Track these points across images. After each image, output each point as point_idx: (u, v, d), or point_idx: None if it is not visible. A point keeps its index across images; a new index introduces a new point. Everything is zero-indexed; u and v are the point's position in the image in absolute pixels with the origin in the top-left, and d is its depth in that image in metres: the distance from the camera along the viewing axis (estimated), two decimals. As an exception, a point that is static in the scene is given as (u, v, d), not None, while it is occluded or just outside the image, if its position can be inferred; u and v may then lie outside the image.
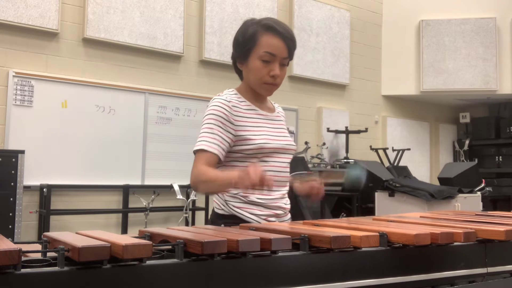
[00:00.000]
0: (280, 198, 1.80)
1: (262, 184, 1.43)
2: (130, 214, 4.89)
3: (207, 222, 5.15)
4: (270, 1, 5.97)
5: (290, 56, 1.76)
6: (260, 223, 1.68)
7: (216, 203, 1.78)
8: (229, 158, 1.73)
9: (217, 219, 1.75)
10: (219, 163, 1.70)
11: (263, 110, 1.82)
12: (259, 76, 1.73)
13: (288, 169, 1.84)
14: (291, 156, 1.85)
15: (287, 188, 1.85)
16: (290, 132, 6.18)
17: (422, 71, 6.92)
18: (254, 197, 1.72)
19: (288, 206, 1.84)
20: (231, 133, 1.70)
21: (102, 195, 4.79)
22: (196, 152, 1.68)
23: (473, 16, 6.84)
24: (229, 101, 1.73)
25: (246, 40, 1.73)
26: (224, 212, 1.73)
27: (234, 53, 1.81)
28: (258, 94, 1.81)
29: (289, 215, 1.84)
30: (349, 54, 6.72)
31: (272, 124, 1.82)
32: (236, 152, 1.72)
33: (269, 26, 1.72)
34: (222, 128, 1.69)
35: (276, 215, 1.76)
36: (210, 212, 5.57)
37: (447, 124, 7.98)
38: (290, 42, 1.73)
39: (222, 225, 1.63)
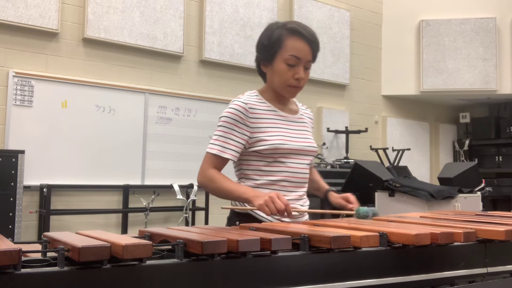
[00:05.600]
0: (296, 199, 1.82)
1: (285, 212, 1.54)
2: (130, 214, 4.89)
3: (207, 222, 5.15)
4: (270, 1, 5.97)
5: (314, 59, 1.81)
6: (272, 222, 1.72)
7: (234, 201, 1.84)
8: (246, 157, 1.79)
9: (233, 216, 1.82)
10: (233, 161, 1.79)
11: (284, 112, 1.86)
12: (284, 79, 1.77)
13: (307, 171, 1.87)
14: (310, 158, 1.88)
15: (305, 189, 1.88)
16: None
17: (422, 71, 6.92)
18: None
19: (305, 208, 1.86)
20: (246, 135, 1.75)
21: (102, 195, 4.79)
22: (208, 152, 1.76)
23: (473, 16, 6.84)
24: (246, 103, 1.77)
25: (272, 43, 1.77)
26: (240, 210, 1.79)
27: (259, 56, 1.84)
28: (280, 95, 1.85)
29: (306, 217, 1.86)
30: (349, 54, 6.72)
31: (292, 125, 1.85)
32: (253, 152, 1.77)
33: (295, 30, 1.76)
34: (236, 131, 1.74)
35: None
36: (210, 212, 5.56)
37: (447, 124, 7.98)
38: (314, 45, 1.79)
39: (237, 222, 1.69)
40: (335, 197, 1.89)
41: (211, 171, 1.74)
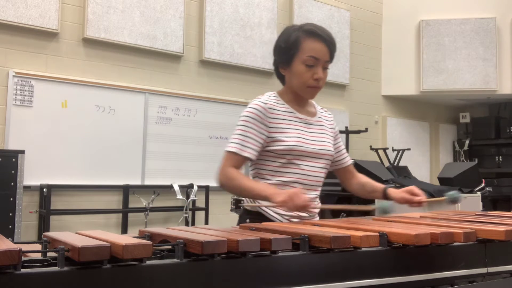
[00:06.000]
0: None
1: (305, 208, 1.57)
2: (130, 214, 4.89)
3: (207, 222, 5.15)
4: (270, 1, 5.97)
5: (331, 59, 1.82)
6: (281, 222, 1.74)
7: (245, 199, 1.86)
8: (260, 156, 1.80)
9: (244, 214, 1.85)
10: (251, 160, 1.80)
11: (302, 114, 1.87)
12: (303, 80, 1.80)
13: (321, 174, 1.87)
14: (326, 162, 1.87)
15: (318, 192, 1.89)
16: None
17: (422, 71, 6.92)
18: None
19: (316, 210, 1.86)
20: (264, 134, 1.77)
21: (102, 195, 4.79)
22: (227, 151, 1.77)
23: (473, 16, 6.84)
24: (265, 103, 1.80)
25: (290, 46, 1.79)
26: (251, 208, 1.82)
27: (277, 59, 1.87)
28: (299, 97, 1.87)
29: (316, 218, 1.86)
30: (349, 54, 6.72)
31: (309, 128, 1.86)
32: (268, 152, 1.79)
33: (312, 31, 1.78)
34: (256, 130, 1.76)
35: (300, 217, 1.79)
36: (210, 212, 5.55)
37: (447, 124, 7.98)
38: (331, 46, 1.80)
39: (248, 220, 1.72)
40: (397, 193, 1.85)
41: (231, 169, 1.74)
